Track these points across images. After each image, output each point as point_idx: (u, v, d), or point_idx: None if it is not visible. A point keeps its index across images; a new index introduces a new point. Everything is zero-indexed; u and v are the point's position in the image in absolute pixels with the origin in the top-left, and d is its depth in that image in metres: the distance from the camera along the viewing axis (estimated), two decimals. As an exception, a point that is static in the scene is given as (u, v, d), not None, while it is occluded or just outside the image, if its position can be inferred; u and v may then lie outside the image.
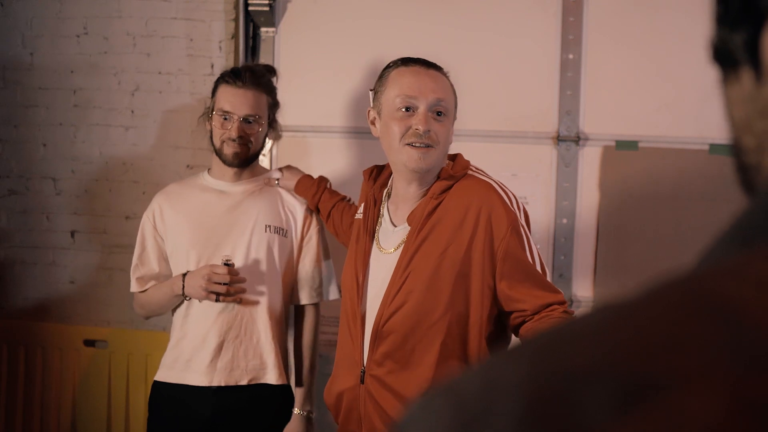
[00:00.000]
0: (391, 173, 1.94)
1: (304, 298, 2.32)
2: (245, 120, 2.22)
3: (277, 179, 2.35)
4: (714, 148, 2.57)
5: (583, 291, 2.66)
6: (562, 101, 2.66)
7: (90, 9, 2.92)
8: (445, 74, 1.88)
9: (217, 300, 2.13)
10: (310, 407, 2.28)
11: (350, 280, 1.91)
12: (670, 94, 2.60)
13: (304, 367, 2.32)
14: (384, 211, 1.94)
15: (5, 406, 2.96)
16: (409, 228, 1.83)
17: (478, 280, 1.76)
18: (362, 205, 1.99)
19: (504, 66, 2.69)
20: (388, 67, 1.90)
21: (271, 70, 2.36)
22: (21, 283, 3.01)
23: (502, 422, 0.31)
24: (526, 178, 2.66)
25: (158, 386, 2.28)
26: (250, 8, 2.73)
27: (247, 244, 2.22)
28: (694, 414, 0.28)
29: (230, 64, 2.75)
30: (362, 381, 1.83)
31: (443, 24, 2.71)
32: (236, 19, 2.80)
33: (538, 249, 1.84)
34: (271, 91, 2.30)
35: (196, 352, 2.21)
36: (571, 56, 2.66)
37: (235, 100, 2.21)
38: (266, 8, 2.72)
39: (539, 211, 2.62)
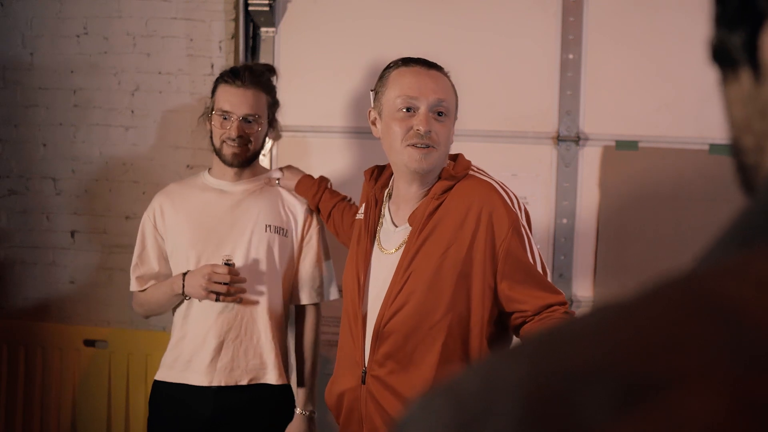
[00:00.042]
0: (392, 173, 1.94)
1: (305, 298, 2.32)
2: (245, 119, 2.21)
3: (278, 179, 2.35)
4: (714, 148, 2.57)
5: (583, 291, 2.66)
6: (562, 101, 2.66)
7: (90, 9, 2.92)
8: (445, 74, 1.87)
9: (217, 300, 2.13)
10: (312, 407, 2.28)
11: (351, 280, 1.90)
12: (670, 94, 2.60)
13: (305, 367, 2.32)
14: (385, 211, 1.93)
15: (5, 406, 2.96)
16: (410, 228, 1.83)
17: (479, 280, 1.75)
18: (363, 205, 1.98)
19: (504, 66, 2.69)
20: (388, 67, 1.89)
21: (270, 70, 2.36)
22: (21, 283, 3.01)
23: (502, 422, 0.31)
24: (526, 178, 2.66)
25: (158, 386, 2.28)
26: (250, 8, 2.73)
27: (247, 244, 2.22)
28: (694, 414, 0.28)
29: (230, 64, 2.75)
30: (363, 381, 1.83)
31: (443, 24, 2.71)
32: (236, 19, 2.80)
33: (539, 249, 1.84)
34: (270, 91, 2.29)
35: (197, 351, 2.21)
36: (571, 56, 2.66)
37: (235, 100, 2.21)
38: (266, 8, 2.72)
39: (539, 211, 2.62)
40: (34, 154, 2.98)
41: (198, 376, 2.20)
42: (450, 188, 1.81)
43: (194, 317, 2.22)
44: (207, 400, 2.20)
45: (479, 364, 0.35)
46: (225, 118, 2.22)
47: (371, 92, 1.94)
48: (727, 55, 0.42)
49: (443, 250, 1.77)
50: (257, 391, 2.22)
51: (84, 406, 2.92)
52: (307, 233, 2.31)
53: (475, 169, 1.88)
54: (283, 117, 2.70)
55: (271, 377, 2.22)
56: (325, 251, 2.35)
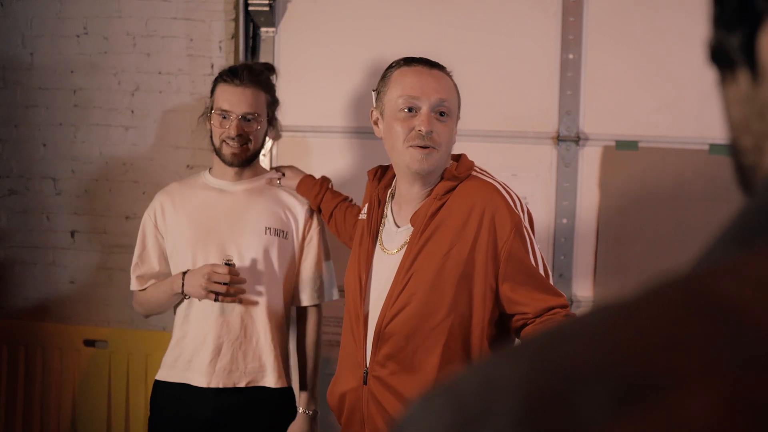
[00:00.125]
0: (395, 174, 1.94)
1: (306, 299, 2.32)
2: (244, 118, 2.21)
3: (279, 179, 2.35)
4: (714, 148, 2.57)
5: (583, 291, 2.66)
6: (562, 101, 2.66)
7: (90, 9, 2.92)
8: (448, 74, 1.86)
9: (216, 300, 2.13)
10: (315, 406, 2.29)
11: (353, 280, 1.90)
12: (670, 94, 2.60)
13: (307, 368, 2.31)
14: (388, 211, 1.93)
15: (5, 406, 2.96)
16: (412, 229, 1.82)
17: (481, 281, 1.75)
18: (366, 205, 1.98)
19: (504, 66, 2.69)
20: (390, 67, 1.89)
21: (269, 68, 2.35)
22: (21, 283, 3.01)
23: (502, 422, 0.31)
24: (526, 178, 2.66)
25: (159, 385, 2.28)
26: (250, 8, 2.73)
27: (246, 246, 2.21)
28: (694, 413, 0.28)
29: (230, 64, 2.75)
30: (365, 382, 1.82)
31: (443, 24, 2.71)
32: (236, 19, 2.80)
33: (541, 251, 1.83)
34: (269, 89, 2.29)
35: (197, 352, 2.21)
36: (571, 56, 2.66)
37: (233, 99, 2.21)
38: (266, 8, 2.72)
39: (539, 211, 2.62)
40: (34, 154, 2.99)
41: (198, 377, 2.20)
42: (452, 189, 1.81)
43: (194, 317, 2.22)
44: (207, 401, 2.19)
45: (479, 364, 0.35)
46: (224, 117, 2.22)
47: (373, 92, 1.94)
48: (726, 56, 0.42)
49: (445, 251, 1.76)
50: (256, 393, 2.22)
51: (84, 406, 2.92)
52: (307, 234, 2.31)
53: (478, 170, 1.87)
54: (283, 117, 2.70)
55: (270, 380, 2.22)
56: (326, 252, 2.35)
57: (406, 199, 1.87)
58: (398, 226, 1.88)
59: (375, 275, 1.88)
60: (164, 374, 2.26)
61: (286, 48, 2.81)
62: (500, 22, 2.70)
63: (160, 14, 2.89)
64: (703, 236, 0.39)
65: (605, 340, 0.32)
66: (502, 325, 1.81)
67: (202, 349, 2.20)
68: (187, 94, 2.89)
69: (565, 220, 2.66)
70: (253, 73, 2.24)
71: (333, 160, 2.75)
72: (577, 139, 2.66)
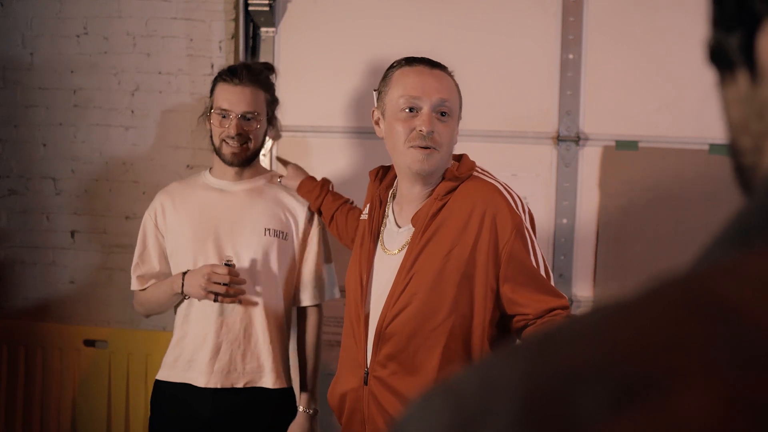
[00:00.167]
0: (397, 174, 1.93)
1: (306, 299, 2.32)
2: (243, 117, 2.21)
3: (280, 178, 2.34)
4: (714, 148, 2.57)
5: (583, 291, 2.66)
6: (562, 101, 2.66)
7: (90, 9, 2.92)
8: (449, 74, 1.86)
9: (215, 300, 2.13)
10: (315, 406, 2.29)
11: (354, 281, 1.90)
12: (670, 94, 2.60)
13: (308, 367, 2.32)
14: (389, 212, 1.92)
15: (5, 406, 2.96)
16: (413, 229, 1.82)
17: (482, 282, 1.74)
18: (368, 205, 1.97)
19: (504, 66, 2.69)
20: (392, 67, 1.88)
21: (269, 68, 2.35)
22: (21, 283, 3.01)
23: (501, 421, 0.31)
24: (526, 178, 2.66)
25: (160, 385, 2.28)
26: (250, 8, 2.73)
27: (245, 247, 2.21)
28: (693, 413, 0.28)
29: (230, 64, 2.75)
30: (365, 382, 1.82)
31: (443, 24, 2.71)
32: (236, 19, 2.81)
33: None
34: (269, 88, 2.29)
35: (196, 352, 2.21)
36: (571, 56, 2.66)
37: (233, 98, 2.21)
38: (266, 8, 2.72)
39: (539, 211, 2.62)
40: (34, 154, 2.99)
41: (198, 377, 2.20)
42: (453, 189, 1.80)
43: (195, 317, 2.22)
44: (207, 401, 2.20)
45: (478, 364, 0.35)
46: (224, 117, 2.22)
47: (374, 92, 1.93)
48: (725, 57, 0.42)
49: (446, 252, 1.75)
50: (254, 394, 2.22)
51: (84, 406, 2.92)
52: (308, 235, 2.30)
53: (479, 170, 1.86)
54: (283, 117, 2.70)
55: (268, 381, 2.21)
56: (327, 252, 2.35)
57: (408, 199, 1.87)
58: (399, 227, 1.88)
59: (376, 276, 1.88)
60: (165, 374, 2.26)
61: (286, 48, 2.81)
62: (500, 22, 2.70)
63: (160, 14, 2.89)
64: (703, 236, 0.40)
65: (605, 339, 0.32)
66: (503, 326, 1.80)
67: (202, 349, 2.20)
68: (187, 94, 2.89)
69: (565, 220, 2.66)
70: (252, 72, 2.24)
71: (333, 160, 2.75)
72: (577, 139, 2.66)
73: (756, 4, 0.40)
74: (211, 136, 2.27)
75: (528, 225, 1.78)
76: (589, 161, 2.66)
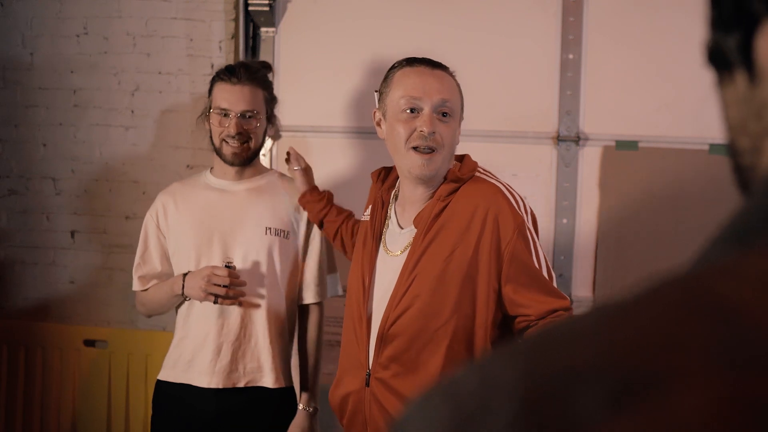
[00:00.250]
0: (398, 175, 1.92)
1: (309, 297, 2.32)
2: (243, 116, 2.21)
3: (297, 167, 2.28)
4: (714, 148, 2.57)
5: (583, 291, 2.66)
6: (562, 101, 2.66)
7: (90, 9, 2.92)
8: (451, 74, 1.85)
9: (215, 302, 2.13)
10: (315, 404, 2.29)
11: (356, 282, 1.89)
12: (670, 94, 2.60)
13: (308, 365, 2.32)
14: (391, 213, 1.92)
15: (5, 406, 2.96)
16: (415, 230, 1.81)
17: (484, 283, 1.73)
18: (370, 207, 1.97)
19: (504, 66, 2.69)
20: (393, 67, 1.87)
21: (266, 66, 2.35)
22: (21, 283, 3.01)
23: (500, 421, 0.31)
24: (526, 178, 2.66)
25: (161, 385, 2.28)
26: (250, 8, 2.74)
27: (246, 247, 2.21)
28: (693, 413, 0.28)
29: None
30: (367, 384, 1.81)
31: (443, 24, 2.71)
32: (236, 19, 2.81)
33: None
34: (267, 86, 2.28)
35: (197, 352, 2.21)
36: (571, 56, 2.66)
37: (232, 97, 2.20)
38: (266, 8, 2.72)
39: (539, 211, 2.61)
40: (34, 154, 2.99)
41: (199, 377, 2.20)
42: (456, 190, 1.80)
43: (195, 318, 2.22)
44: (208, 401, 2.20)
45: (477, 363, 0.35)
46: (223, 116, 2.21)
47: (375, 93, 1.93)
48: (723, 57, 0.42)
49: (449, 253, 1.75)
50: (255, 393, 2.22)
51: (84, 406, 2.92)
52: (310, 234, 2.30)
53: (482, 171, 1.86)
54: (283, 117, 2.70)
55: (268, 381, 2.21)
56: (328, 249, 2.34)
57: (410, 200, 1.86)
58: (402, 228, 1.87)
59: (378, 277, 1.87)
60: (166, 374, 2.26)
61: (286, 48, 2.81)
62: (500, 22, 2.70)
63: (160, 14, 2.89)
64: (702, 236, 0.40)
65: (604, 339, 0.32)
66: (506, 327, 1.80)
67: (203, 350, 2.20)
68: (187, 94, 2.89)
69: (565, 220, 2.66)
70: (250, 70, 2.23)
71: (333, 160, 2.75)
72: (577, 139, 2.66)
73: (754, 4, 0.40)
74: (211, 137, 2.26)
75: (530, 225, 1.78)
76: (589, 161, 2.66)
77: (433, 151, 1.78)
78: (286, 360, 2.29)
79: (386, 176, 1.97)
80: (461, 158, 1.89)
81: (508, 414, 0.31)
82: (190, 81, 2.88)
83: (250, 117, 2.22)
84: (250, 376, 2.21)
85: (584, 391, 0.30)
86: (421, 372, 1.75)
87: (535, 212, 1.86)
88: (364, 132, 2.70)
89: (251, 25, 2.81)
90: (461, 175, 1.81)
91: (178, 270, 2.25)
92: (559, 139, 2.66)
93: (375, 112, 1.91)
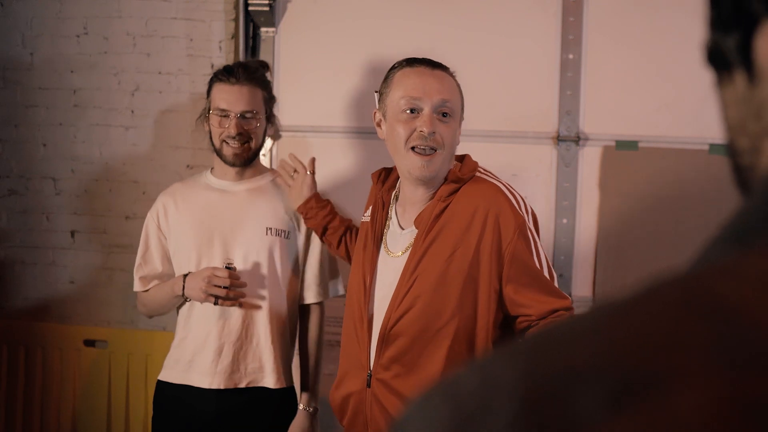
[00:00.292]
0: (399, 176, 1.92)
1: (310, 297, 2.32)
2: (242, 116, 2.20)
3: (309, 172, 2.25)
4: (714, 148, 2.57)
5: (583, 291, 2.66)
6: (562, 101, 2.66)
7: (90, 9, 2.92)
8: (451, 74, 1.85)
9: (215, 303, 2.13)
10: (315, 404, 2.29)
11: (357, 283, 1.89)
12: (670, 94, 2.60)
13: (309, 365, 2.32)
14: (392, 213, 1.91)
15: (5, 406, 2.96)
16: (416, 231, 1.81)
17: (485, 283, 1.73)
18: (370, 208, 1.96)
19: (504, 66, 2.69)
20: (393, 68, 1.87)
21: (264, 65, 2.34)
22: (21, 283, 3.01)
23: (500, 420, 0.31)
24: (526, 178, 2.66)
25: (162, 386, 2.28)
26: (250, 8, 2.73)
27: (247, 247, 2.21)
28: (692, 412, 0.28)
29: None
30: (368, 385, 1.81)
31: (443, 24, 2.71)
32: (236, 19, 2.81)
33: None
34: (265, 86, 2.28)
35: (198, 353, 2.21)
36: (571, 56, 2.66)
37: (231, 97, 2.20)
38: (266, 8, 2.72)
39: (539, 211, 2.61)
40: (34, 154, 2.99)
41: (199, 378, 2.20)
42: (456, 190, 1.79)
43: (196, 318, 2.22)
44: (209, 402, 2.20)
45: (477, 363, 0.35)
46: (223, 117, 2.21)
47: (375, 93, 1.93)
48: (722, 58, 0.43)
49: (450, 253, 1.75)
50: (256, 394, 2.22)
51: (84, 406, 2.92)
52: (311, 233, 2.30)
53: (482, 171, 1.86)
54: (283, 117, 2.70)
55: (270, 381, 2.21)
56: (332, 266, 2.34)
57: (411, 201, 1.86)
58: (402, 229, 1.87)
59: (379, 278, 1.87)
60: (167, 375, 2.26)
61: (286, 48, 2.81)
62: (500, 22, 2.70)
63: (160, 14, 2.89)
64: (702, 236, 0.40)
65: (604, 339, 0.32)
66: (508, 327, 1.80)
67: (204, 350, 2.20)
68: (187, 94, 2.89)
69: (565, 220, 2.66)
70: (248, 70, 2.23)
71: (333, 160, 2.75)
72: (577, 139, 2.66)
73: (753, 5, 0.40)
74: (211, 138, 2.26)
75: (531, 225, 1.78)
76: (589, 161, 2.66)
77: (434, 151, 1.78)
78: (287, 360, 2.29)
79: (386, 177, 1.96)
80: (461, 158, 1.88)
81: (508, 414, 0.31)
82: (190, 81, 2.88)
83: (249, 117, 2.22)
84: (251, 376, 2.21)
85: (584, 391, 0.30)
86: (423, 372, 1.75)
87: (535, 212, 1.86)
88: (364, 132, 2.70)
89: (251, 25, 2.81)
90: (462, 175, 1.81)
91: (179, 270, 2.25)
92: (559, 139, 2.66)
93: (375, 113, 1.91)
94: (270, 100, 2.29)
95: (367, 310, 1.84)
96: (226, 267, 2.13)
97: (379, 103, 1.89)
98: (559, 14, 2.66)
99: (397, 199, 1.93)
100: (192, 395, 2.21)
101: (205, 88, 2.31)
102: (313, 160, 2.26)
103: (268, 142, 2.73)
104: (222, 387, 2.19)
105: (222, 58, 2.84)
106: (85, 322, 2.96)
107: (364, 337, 1.83)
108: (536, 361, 0.33)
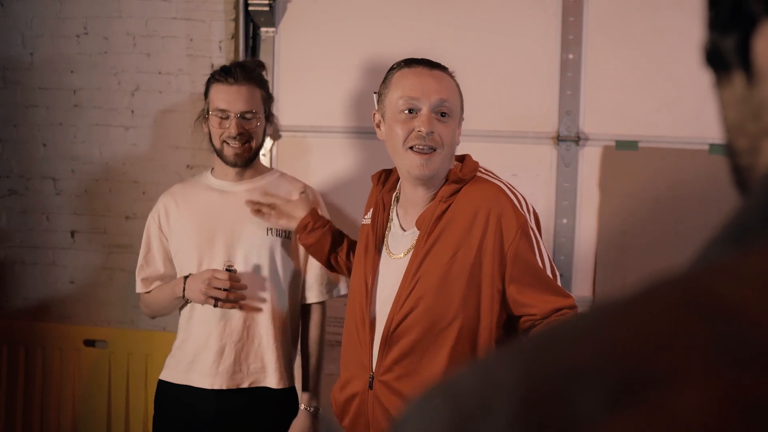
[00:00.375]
0: (399, 177, 1.91)
1: (311, 296, 2.32)
2: (242, 116, 2.21)
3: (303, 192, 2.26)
4: (714, 148, 2.57)
5: (583, 291, 2.66)
6: (562, 101, 2.66)
7: (90, 9, 2.92)
8: (450, 74, 1.84)
9: (215, 305, 2.13)
10: (317, 404, 2.29)
11: (359, 284, 1.88)
12: (670, 94, 2.60)
13: (310, 365, 2.32)
14: (393, 215, 1.91)
15: (5, 406, 2.96)
16: (418, 232, 1.81)
17: (488, 283, 1.73)
18: (371, 210, 1.95)
19: (504, 66, 2.69)
20: (391, 69, 1.87)
21: (260, 65, 2.34)
22: (21, 283, 3.01)
23: (500, 420, 0.31)
24: (526, 178, 2.66)
25: (163, 385, 2.28)
26: (250, 8, 2.73)
27: (248, 247, 2.21)
28: (692, 412, 0.28)
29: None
30: (371, 387, 1.81)
31: (443, 24, 2.71)
32: (236, 19, 2.80)
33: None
34: (263, 85, 2.28)
35: (199, 353, 2.21)
36: (571, 56, 2.66)
37: (230, 98, 2.20)
38: (266, 8, 2.72)
39: (539, 211, 2.61)
40: (34, 154, 2.99)
41: (201, 378, 2.20)
42: (457, 191, 1.79)
43: (197, 319, 2.22)
44: (210, 402, 2.20)
45: (477, 363, 0.35)
46: (223, 117, 2.21)
47: (374, 94, 1.93)
48: (721, 58, 0.43)
49: (452, 254, 1.74)
50: (258, 394, 2.22)
51: (84, 406, 2.92)
52: None
53: (483, 171, 1.85)
54: (283, 117, 2.70)
55: (272, 381, 2.22)
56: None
57: (412, 202, 1.86)
58: (404, 230, 1.87)
59: (381, 279, 1.86)
60: (168, 375, 2.27)
61: (286, 48, 2.81)
62: (500, 22, 2.69)
63: (160, 14, 2.89)
64: (702, 236, 0.40)
65: (603, 338, 0.32)
66: (511, 327, 1.79)
67: (205, 351, 2.20)
68: (187, 94, 2.89)
69: (565, 220, 2.66)
70: (246, 70, 2.23)
71: (333, 160, 2.75)
72: (577, 139, 2.66)
73: (751, 5, 0.40)
74: (210, 139, 2.26)
75: (533, 225, 1.77)
76: (589, 161, 2.66)
77: (433, 150, 1.77)
78: (289, 360, 2.29)
79: (386, 179, 1.96)
80: (462, 158, 1.88)
81: (508, 414, 0.31)
82: (190, 81, 2.88)
83: (250, 117, 2.22)
84: (253, 376, 2.21)
85: (584, 391, 0.30)
86: (425, 374, 1.74)
87: (536, 211, 1.86)
88: (364, 132, 2.70)
89: (251, 25, 2.81)
90: (463, 175, 1.80)
91: (181, 271, 2.25)
92: (559, 139, 2.66)
93: (374, 114, 1.91)
94: (268, 99, 2.29)
95: (369, 312, 1.84)
96: (227, 269, 2.13)
97: (378, 104, 1.89)
98: (559, 14, 2.66)
99: (397, 201, 1.92)
100: (193, 396, 2.21)
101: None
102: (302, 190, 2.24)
103: (268, 142, 2.73)
104: (224, 387, 2.19)
105: (222, 58, 2.84)
106: (85, 322, 2.96)
107: (366, 339, 1.82)
108: (536, 360, 0.33)
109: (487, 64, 2.68)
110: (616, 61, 2.64)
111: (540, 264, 1.74)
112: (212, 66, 2.83)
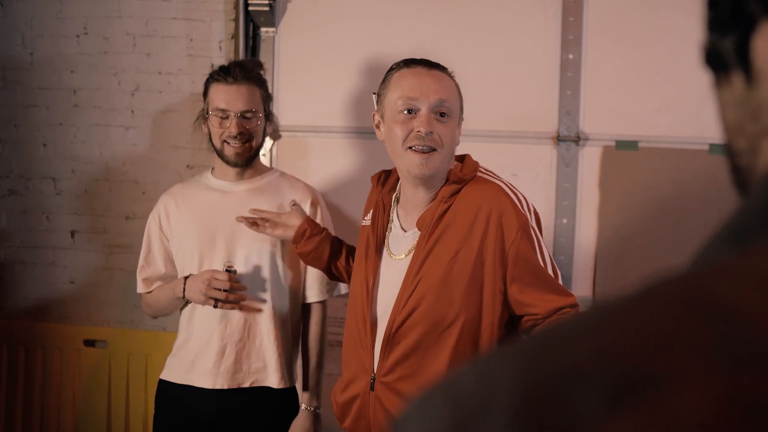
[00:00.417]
0: (399, 177, 1.91)
1: (312, 295, 2.32)
2: (242, 116, 2.21)
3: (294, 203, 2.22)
4: (714, 148, 2.57)
5: (583, 291, 2.66)
6: (562, 101, 2.66)
7: (90, 9, 2.92)
8: (449, 74, 1.84)
9: (215, 306, 2.13)
10: (317, 403, 2.29)
11: (360, 286, 1.87)
12: (670, 94, 2.60)
13: (310, 364, 2.32)
14: (393, 216, 1.90)
15: (5, 406, 2.96)
16: (419, 233, 1.81)
17: (489, 283, 1.73)
18: (371, 211, 1.95)
19: (504, 66, 2.69)
20: (391, 69, 1.86)
21: (258, 64, 2.34)
22: (21, 283, 3.01)
23: (500, 419, 0.31)
24: (526, 178, 2.65)
25: (164, 385, 2.28)
26: (250, 8, 2.73)
27: (249, 247, 2.21)
28: (691, 411, 0.28)
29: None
30: (372, 388, 1.80)
31: (443, 24, 2.71)
32: (236, 19, 2.80)
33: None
34: (262, 84, 2.28)
35: (200, 353, 2.21)
36: (571, 56, 2.66)
37: (230, 97, 2.20)
38: (266, 8, 2.72)
39: (539, 211, 2.62)
40: (34, 154, 2.99)
41: (201, 378, 2.20)
42: (458, 191, 1.79)
43: (198, 319, 2.22)
44: (210, 402, 2.20)
45: (476, 363, 0.35)
46: (223, 117, 2.21)
47: (374, 95, 1.93)
48: (720, 59, 0.43)
49: (453, 254, 1.74)
50: (259, 393, 2.22)
51: (84, 406, 2.92)
52: None
53: (483, 171, 1.85)
54: (283, 117, 2.70)
55: (273, 380, 2.22)
56: None
57: (412, 202, 1.85)
58: (405, 231, 1.86)
59: (382, 280, 1.86)
60: (169, 374, 2.27)
61: (286, 48, 2.81)
62: (500, 22, 2.69)
63: (160, 14, 2.89)
64: (703, 236, 0.40)
65: (603, 338, 0.32)
66: (512, 327, 1.79)
67: (206, 351, 2.20)
68: (187, 94, 2.89)
69: (565, 220, 2.66)
70: (245, 69, 2.23)
71: (333, 160, 2.75)
72: (577, 139, 2.66)
73: (750, 6, 0.40)
74: (210, 138, 2.26)
75: (534, 224, 1.77)
76: (589, 161, 2.66)
77: (433, 150, 1.77)
78: (290, 360, 2.29)
79: (386, 179, 1.95)
80: (462, 158, 1.88)
81: (508, 413, 0.31)
82: (190, 81, 2.88)
83: (250, 117, 2.22)
84: (255, 376, 2.21)
85: (584, 391, 0.30)
86: (427, 374, 1.74)
87: (537, 211, 1.86)
88: (364, 132, 2.70)
89: (251, 25, 2.81)
90: (463, 175, 1.80)
91: (182, 271, 2.25)
92: (559, 139, 2.66)
93: (374, 115, 1.90)
94: (267, 98, 2.29)
95: (370, 314, 1.83)
96: (227, 270, 2.13)
97: (377, 105, 1.89)
98: (559, 14, 2.66)
99: (398, 202, 1.92)
100: (194, 395, 2.21)
101: (205, 88, 2.31)
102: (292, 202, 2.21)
103: (268, 141, 2.73)
104: (225, 387, 2.19)
105: (222, 58, 2.84)
106: (85, 322, 2.96)
107: (367, 341, 1.82)
108: (536, 360, 0.33)
109: (487, 64, 2.68)
110: (616, 61, 2.64)
111: (541, 263, 1.74)
112: (212, 66, 2.83)
